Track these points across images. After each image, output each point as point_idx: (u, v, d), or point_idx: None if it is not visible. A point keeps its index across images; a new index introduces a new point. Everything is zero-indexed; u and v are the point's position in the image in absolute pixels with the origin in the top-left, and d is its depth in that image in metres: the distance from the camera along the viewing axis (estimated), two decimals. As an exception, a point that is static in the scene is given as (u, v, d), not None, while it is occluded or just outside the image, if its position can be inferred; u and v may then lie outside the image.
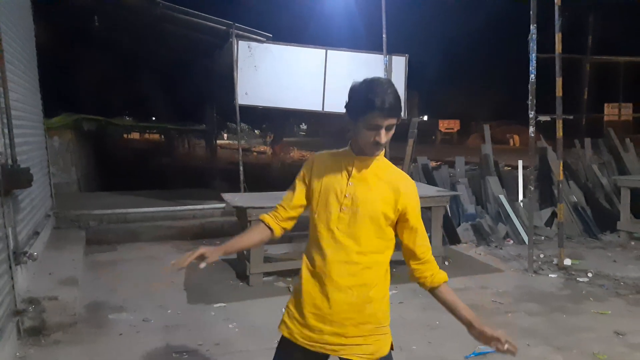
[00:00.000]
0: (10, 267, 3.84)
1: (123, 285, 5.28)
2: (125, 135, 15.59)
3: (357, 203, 1.85)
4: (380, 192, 1.87)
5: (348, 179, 1.88)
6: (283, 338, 1.97)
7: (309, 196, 1.98)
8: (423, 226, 1.97)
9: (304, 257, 1.97)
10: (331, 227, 1.87)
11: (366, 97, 1.75)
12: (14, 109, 4.36)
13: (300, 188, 2.01)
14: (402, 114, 1.79)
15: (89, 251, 6.51)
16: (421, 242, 1.95)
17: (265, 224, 2.03)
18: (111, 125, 14.38)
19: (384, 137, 1.79)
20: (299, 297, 1.93)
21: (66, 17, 8.97)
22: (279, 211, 2.04)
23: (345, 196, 1.87)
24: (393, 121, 1.79)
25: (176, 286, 5.23)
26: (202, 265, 1.94)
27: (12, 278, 3.84)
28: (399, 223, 1.91)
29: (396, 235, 1.95)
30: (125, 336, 4.02)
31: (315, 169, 1.97)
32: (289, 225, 2.06)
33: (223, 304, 4.66)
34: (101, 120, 13.55)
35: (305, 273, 1.93)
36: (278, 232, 2.04)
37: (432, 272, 1.95)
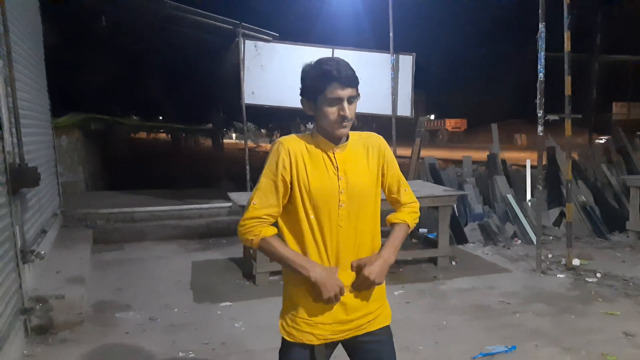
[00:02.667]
0: (18, 266, 3.86)
1: (130, 284, 5.29)
2: (132, 135, 15.66)
3: (353, 194, 1.82)
4: (367, 168, 1.86)
5: (337, 174, 1.81)
6: (292, 345, 1.87)
7: (289, 193, 1.81)
8: (402, 175, 1.99)
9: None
10: (333, 227, 1.81)
11: (320, 71, 1.72)
12: (21, 108, 4.38)
13: (281, 189, 1.80)
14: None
15: (96, 250, 6.54)
16: (400, 190, 1.97)
17: (275, 235, 1.83)
18: (118, 124, 14.46)
19: (348, 110, 1.73)
20: (309, 301, 1.82)
21: (74, 17, 9.01)
22: (271, 215, 1.82)
23: (340, 192, 1.81)
24: (353, 92, 1.74)
25: (182, 285, 5.24)
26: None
27: (19, 276, 3.86)
28: (385, 177, 1.92)
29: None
30: (132, 335, 4.03)
31: (293, 163, 1.78)
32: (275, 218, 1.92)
33: (229, 303, 4.65)
34: (108, 119, 13.63)
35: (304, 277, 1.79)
36: (277, 230, 1.94)
37: (399, 215, 1.98)
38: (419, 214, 2.02)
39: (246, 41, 7.56)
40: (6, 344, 3.33)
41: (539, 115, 5.42)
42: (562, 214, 7.22)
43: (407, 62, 8.04)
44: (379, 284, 1.86)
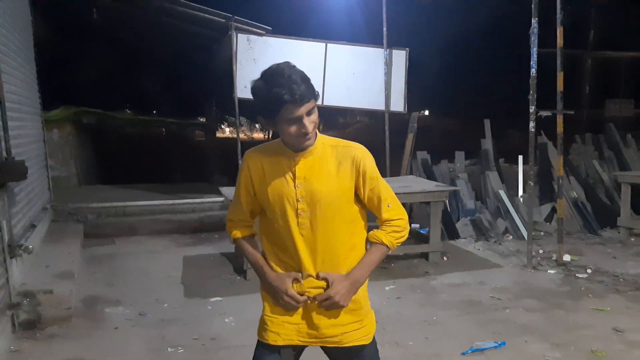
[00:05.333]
0: (5, 260, 3.82)
1: (120, 279, 5.26)
2: (125, 129, 15.56)
3: (313, 202, 1.76)
4: (334, 176, 1.77)
5: (294, 181, 1.76)
6: (263, 347, 1.90)
7: (258, 203, 1.87)
8: (387, 190, 1.86)
9: (271, 263, 1.87)
10: (295, 235, 1.78)
11: (271, 93, 1.61)
12: (8, 101, 4.33)
13: (247, 200, 1.88)
14: (317, 94, 1.69)
15: (87, 244, 6.50)
16: (382, 206, 1.84)
17: (246, 237, 1.94)
18: (111, 118, 14.36)
19: (309, 124, 1.67)
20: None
21: (65, 9, 8.91)
22: (242, 219, 1.93)
23: (297, 200, 1.76)
24: (311, 105, 1.66)
25: (173, 280, 5.21)
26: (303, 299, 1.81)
27: (6, 271, 3.82)
28: (360, 190, 1.82)
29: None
30: (121, 330, 4.00)
31: (254, 175, 1.83)
32: (255, 217, 1.98)
33: (220, 298, 4.64)
34: (101, 113, 13.52)
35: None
36: (256, 231, 1.99)
37: (376, 234, 1.86)
38: (404, 232, 1.88)
39: (239, 35, 7.50)
40: (-8, 339, 3.30)
41: (531, 111, 5.42)
42: (553, 210, 7.25)
43: (400, 57, 8.01)
44: (343, 306, 1.81)
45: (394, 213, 1.86)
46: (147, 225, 7.32)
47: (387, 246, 1.85)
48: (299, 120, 1.66)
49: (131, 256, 6.15)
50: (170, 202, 7.74)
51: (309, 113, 1.66)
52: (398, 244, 1.88)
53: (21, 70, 5.59)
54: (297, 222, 1.77)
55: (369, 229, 1.92)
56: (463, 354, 3.56)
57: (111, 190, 9.01)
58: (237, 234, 1.94)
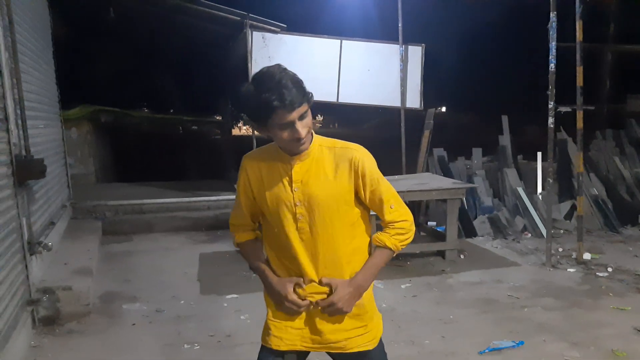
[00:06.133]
0: (25, 257, 3.88)
1: (137, 275, 5.31)
2: (141, 127, 15.73)
3: (311, 206, 1.72)
4: (331, 178, 1.73)
5: (291, 186, 1.73)
6: (266, 351, 1.88)
7: (259, 207, 1.85)
8: (390, 191, 1.80)
9: (274, 268, 1.86)
10: (295, 240, 1.75)
11: (260, 99, 1.56)
12: (27, 100, 4.39)
13: (247, 204, 1.86)
14: (309, 96, 1.64)
15: (105, 241, 6.57)
16: (383, 207, 1.79)
17: (249, 241, 1.93)
18: (128, 116, 14.51)
19: (302, 129, 1.61)
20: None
21: (82, 8, 9.01)
22: (244, 224, 1.92)
23: (295, 205, 1.73)
24: (303, 109, 1.60)
25: (189, 277, 5.25)
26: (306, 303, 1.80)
27: (26, 268, 3.88)
28: (361, 192, 1.76)
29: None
30: (138, 326, 4.05)
31: (252, 180, 1.81)
32: (258, 225, 1.96)
33: (235, 296, 4.65)
34: (118, 111, 13.67)
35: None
36: (260, 234, 1.96)
37: (380, 236, 1.82)
38: (409, 233, 1.83)
39: (254, 32, 7.50)
40: (13, 335, 3.35)
41: (550, 106, 5.33)
42: (573, 207, 7.13)
43: (416, 53, 7.94)
44: (347, 312, 1.79)
45: (398, 214, 1.81)
46: (163, 222, 7.38)
47: (391, 249, 1.81)
48: (291, 126, 1.60)
49: (148, 253, 6.21)
50: (187, 199, 7.79)
51: (301, 117, 1.61)
52: (403, 247, 1.83)
53: (40, 69, 5.67)
54: (296, 227, 1.74)
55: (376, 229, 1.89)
56: (480, 353, 3.52)
57: (128, 188, 9.11)
58: (240, 238, 1.93)
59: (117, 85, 14.72)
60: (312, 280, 1.78)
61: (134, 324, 4.08)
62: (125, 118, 13.88)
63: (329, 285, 1.77)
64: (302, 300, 1.77)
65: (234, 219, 1.93)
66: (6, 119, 3.79)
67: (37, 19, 5.85)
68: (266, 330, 1.89)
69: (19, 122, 4.11)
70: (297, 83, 1.60)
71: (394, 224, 1.80)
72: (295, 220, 1.74)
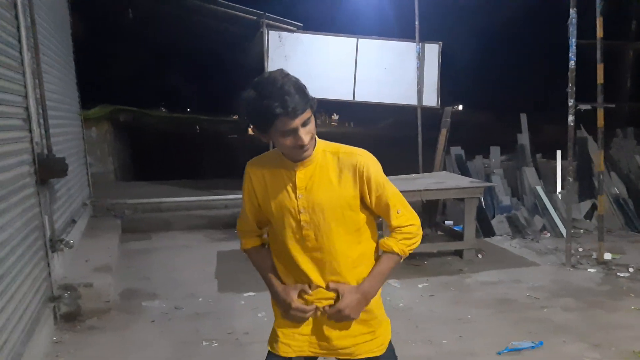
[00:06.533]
0: (47, 255, 3.96)
1: (156, 273, 5.38)
2: (159, 126, 15.92)
3: (316, 213, 1.69)
4: (335, 184, 1.70)
5: (295, 193, 1.70)
6: (274, 358, 1.87)
7: (264, 214, 1.83)
8: (396, 196, 1.78)
9: (280, 275, 1.85)
10: (300, 247, 1.74)
11: (262, 105, 1.52)
12: (49, 100, 4.46)
13: (252, 211, 1.84)
14: (312, 102, 1.59)
15: (124, 239, 6.65)
16: (391, 217, 1.77)
17: (257, 247, 1.92)
18: (146, 116, 14.69)
19: (305, 136, 1.58)
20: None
21: (101, 9, 9.14)
22: (249, 230, 1.90)
23: (299, 212, 1.70)
24: (306, 115, 1.56)
25: (207, 275, 5.29)
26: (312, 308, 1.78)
27: (48, 265, 3.96)
28: (367, 198, 1.74)
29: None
30: (158, 323, 4.09)
31: (257, 187, 1.79)
32: (265, 232, 1.94)
33: (253, 293, 4.68)
34: (136, 111, 13.85)
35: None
36: (267, 240, 1.95)
37: (387, 241, 1.80)
38: (416, 238, 1.81)
39: (270, 32, 7.53)
40: (36, 331, 3.42)
41: (570, 104, 5.26)
42: (593, 207, 7.02)
43: (433, 50, 7.89)
44: (354, 319, 1.78)
45: (404, 219, 1.78)
46: (181, 220, 7.46)
47: (398, 254, 1.79)
48: (294, 132, 1.57)
49: (166, 251, 6.28)
50: (204, 198, 7.85)
51: (304, 124, 1.57)
52: (410, 251, 1.81)
53: (61, 69, 5.77)
54: (301, 234, 1.72)
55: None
56: (498, 353, 3.49)
57: (146, 187, 9.22)
58: (246, 244, 1.92)
59: (135, 85, 14.91)
60: (318, 286, 1.76)
61: (153, 321, 4.13)
62: (144, 117, 14.05)
63: (336, 290, 1.76)
64: (308, 306, 1.77)
65: (241, 224, 1.92)
66: (29, 118, 3.87)
67: (58, 20, 5.95)
68: (274, 337, 1.88)
69: (41, 121, 4.18)
70: (300, 89, 1.55)
71: (401, 229, 1.78)
72: (300, 227, 1.71)
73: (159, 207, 7.61)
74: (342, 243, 1.74)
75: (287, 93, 1.50)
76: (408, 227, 1.79)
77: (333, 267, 1.74)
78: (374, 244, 1.85)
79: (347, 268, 1.75)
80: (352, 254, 1.76)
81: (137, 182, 10.44)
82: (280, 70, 1.59)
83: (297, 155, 1.65)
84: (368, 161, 1.73)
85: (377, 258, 1.85)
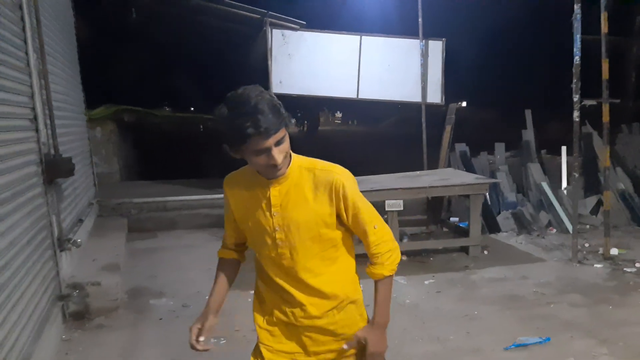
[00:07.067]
0: (55, 254, 3.98)
1: (163, 271, 5.40)
2: (163, 126, 15.95)
3: (291, 231, 1.67)
4: (311, 201, 1.66)
5: (270, 210, 1.67)
6: None
7: (241, 231, 1.83)
8: (371, 212, 1.74)
9: (261, 292, 1.86)
10: (276, 265, 1.73)
11: (235, 124, 1.47)
12: (55, 100, 4.48)
13: (230, 227, 1.85)
14: (288, 122, 1.56)
15: (130, 238, 6.68)
16: (369, 239, 1.73)
17: (229, 259, 1.92)
18: (150, 116, 14.69)
19: (278, 155, 1.54)
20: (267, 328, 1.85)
21: (105, 9, 9.17)
22: (227, 242, 1.91)
23: (275, 230, 1.68)
24: (280, 134, 1.51)
25: (213, 273, 5.28)
26: (202, 339, 1.80)
27: (56, 264, 3.98)
28: (343, 216, 1.71)
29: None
30: (165, 321, 4.12)
31: (233, 205, 1.77)
32: (245, 247, 1.93)
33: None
34: (141, 111, 13.86)
35: (273, 311, 1.83)
36: (243, 259, 1.95)
37: (374, 269, 1.76)
38: (396, 251, 1.76)
39: (273, 30, 7.54)
40: (45, 329, 3.45)
41: (575, 100, 5.24)
42: (599, 203, 7.01)
43: (437, 47, 7.88)
44: (385, 351, 1.80)
45: (380, 234, 1.74)
46: (186, 219, 7.48)
47: (390, 276, 1.76)
48: (267, 152, 1.53)
49: (172, 249, 6.30)
50: (209, 196, 7.87)
51: (277, 143, 1.53)
52: (397, 265, 1.77)
53: (66, 70, 5.79)
54: (277, 251, 1.70)
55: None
56: (505, 349, 3.49)
57: (152, 186, 9.24)
58: (221, 253, 1.94)
59: (139, 85, 14.93)
60: (301, 304, 1.74)
61: (161, 319, 4.16)
62: (148, 117, 14.06)
63: (359, 343, 1.77)
64: (199, 345, 1.79)
65: (224, 237, 1.93)
66: (35, 119, 3.89)
67: (62, 21, 5.98)
68: (257, 352, 1.86)
69: (48, 121, 4.21)
70: (274, 107, 1.49)
71: (380, 253, 1.74)
72: (276, 245, 1.69)
73: (165, 206, 7.64)
74: (319, 260, 1.71)
75: (260, 112, 1.45)
76: (385, 245, 1.74)
77: (310, 284, 1.72)
78: (352, 260, 1.82)
79: (325, 284, 1.73)
80: (329, 270, 1.74)
81: (142, 182, 10.46)
82: (255, 87, 1.54)
83: (271, 174, 1.62)
84: (345, 179, 1.68)
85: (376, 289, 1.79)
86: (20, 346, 2.93)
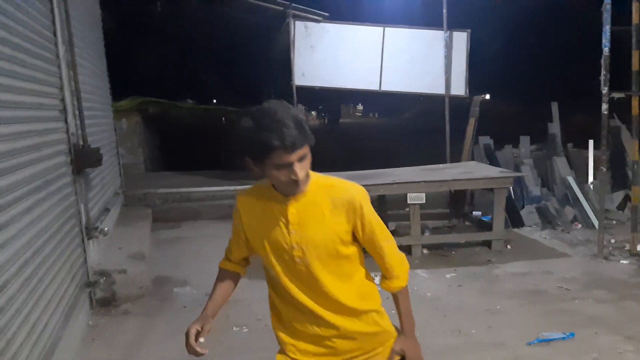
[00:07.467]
0: (83, 242, 4.08)
1: (186, 261, 5.49)
2: (187, 118, 16.12)
3: (309, 248, 1.67)
4: (328, 219, 1.67)
5: (288, 228, 1.67)
6: None
7: (248, 249, 1.83)
8: (384, 229, 1.78)
9: (278, 309, 1.84)
10: (294, 282, 1.72)
11: (260, 136, 1.48)
12: (83, 92, 4.58)
13: (237, 244, 1.84)
14: (310, 138, 1.55)
15: (155, 228, 6.80)
16: (384, 254, 1.77)
17: (231, 271, 1.91)
18: (174, 108, 14.87)
19: (300, 171, 1.53)
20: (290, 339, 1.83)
21: (131, 2, 9.29)
22: (230, 256, 1.91)
23: (292, 247, 1.68)
24: (303, 151, 1.52)
25: (236, 263, 5.37)
26: (202, 339, 1.73)
27: (84, 252, 4.09)
28: (359, 233, 1.73)
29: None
30: (189, 309, 4.19)
31: (246, 222, 1.76)
32: (248, 263, 1.94)
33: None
34: (165, 103, 14.03)
35: (292, 324, 1.81)
36: (244, 272, 1.95)
37: (392, 284, 1.81)
38: (405, 260, 1.83)
39: (296, 22, 7.55)
40: (73, 315, 3.55)
41: (604, 92, 5.13)
42: (626, 198, 6.86)
43: (461, 39, 7.79)
44: (420, 353, 1.85)
45: (393, 248, 1.79)
46: (210, 210, 7.57)
47: (406, 286, 1.83)
48: (289, 167, 1.53)
49: (196, 240, 6.40)
50: (232, 187, 7.93)
51: (300, 159, 1.53)
52: (408, 273, 1.84)
53: (93, 62, 5.90)
54: (295, 268, 1.70)
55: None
56: (529, 344, 3.47)
57: (176, 177, 9.37)
58: (222, 264, 1.93)
59: (163, 77, 15.09)
60: (321, 317, 1.75)
61: (184, 307, 4.24)
62: (172, 109, 14.22)
63: (400, 355, 1.83)
64: (199, 347, 1.71)
65: (227, 249, 1.93)
66: (64, 109, 3.98)
67: (90, 14, 6.08)
68: (283, 356, 1.85)
69: (76, 112, 4.30)
70: (300, 123, 1.51)
71: (395, 267, 1.79)
72: (294, 262, 1.69)
73: (189, 197, 7.75)
74: (335, 275, 1.73)
75: (286, 126, 1.47)
76: (397, 257, 1.80)
77: (327, 298, 1.73)
78: (363, 270, 1.84)
79: (339, 297, 1.74)
80: (344, 284, 1.76)
81: (167, 173, 10.62)
82: (281, 102, 1.56)
83: (291, 190, 1.62)
84: (362, 198, 1.71)
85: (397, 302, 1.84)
86: (49, 330, 3.03)
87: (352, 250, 1.75)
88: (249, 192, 1.78)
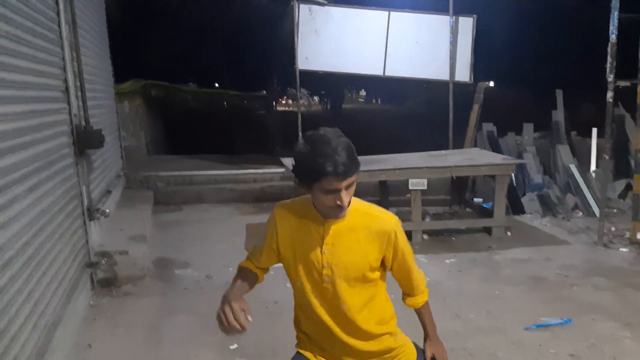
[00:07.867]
0: (85, 223, 4.10)
1: (188, 243, 5.52)
2: (190, 102, 16.08)
3: (339, 269, 1.73)
4: (362, 245, 1.74)
5: (322, 247, 1.73)
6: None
7: (280, 260, 1.85)
8: (413, 257, 1.88)
9: (302, 322, 1.91)
10: (318, 299, 1.77)
11: (315, 162, 1.55)
12: (86, 73, 4.56)
13: (268, 252, 1.86)
14: (358, 166, 1.62)
15: (157, 211, 6.82)
16: (412, 277, 1.90)
17: (251, 270, 1.92)
18: (177, 91, 14.84)
19: (346, 198, 1.62)
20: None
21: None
22: (254, 261, 1.92)
23: (323, 266, 1.73)
24: (352, 179, 1.60)
25: (237, 247, 5.40)
26: (250, 319, 1.66)
27: (86, 233, 4.11)
28: (388, 262, 1.81)
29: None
30: (190, 291, 4.23)
31: (280, 233, 1.80)
32: (267, 271, 1.97)
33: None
34: (168, 86, 14.00)
35: (316, 341, 1.89)
36: (262, 279, 1.97)
37: (418, 300, 1.96)
38: (422, 276, 1.96)
39: (300, 5, 7.47)
40: (75, 295, 3.58)
41: (609, 80, 5.09)
42: (628, 186, 6.86)
43: (467, 24, 7.71)
44: (446, 353, 2.00)
45: (418, 270, 1.92)
46: (212, 193, 7.59)
47: (427, 300, 1.97)
48: (336, 192, 1.60)
49: (197, 223, 6.42)
50: (234, 172, 7.97)
51: (348, 187, 1.61)
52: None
53: (96, 43, 5.86)
54: (322, 286, 1.76)
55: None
56: (527, 328, 3.49)
57: (178, 160, 9.39)
58: (245, 264, 1.94)
59: (166, 60, 15.02)
60: (336, 336, 1.81)
61: (185, 289, 4.27)
62: (175, 93, 14.20)
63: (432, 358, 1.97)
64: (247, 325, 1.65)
65: (252, 250, 1.94)
66: (67, 90, 3.97)
67: (93, -5, 6.03)
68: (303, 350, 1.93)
69: (79, 93, 4.29)
70: (351, 153, 1.59)
71: (420, 285, 1.94)
72: (322, 280, 1.75)
73: (191, 180, 7.76)
74: (359, 296, 1.80)
75: (339, 154, 1.55)
76: (421, 276, 1.94)
77: (349, 318, 1.79)
78: (384, 292, 1.92)
79: (361, 316, 1.81)
80: (367, 305, 1.82)
81: (169, 156, 10.63)
82: (335, 131, 1.65)
83: (333, 214, 1.68)
84: (397, 227, 1.79)
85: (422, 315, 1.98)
86: (51, 310, 3.06)
87: (377, 274, 1.82)
88: (288, 206, 1.83)
